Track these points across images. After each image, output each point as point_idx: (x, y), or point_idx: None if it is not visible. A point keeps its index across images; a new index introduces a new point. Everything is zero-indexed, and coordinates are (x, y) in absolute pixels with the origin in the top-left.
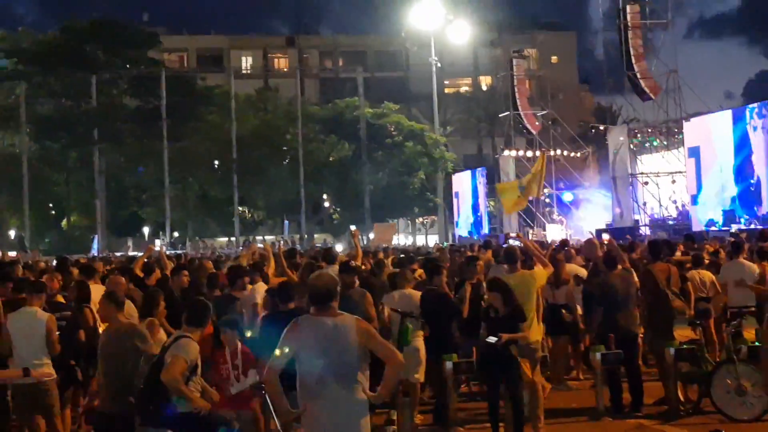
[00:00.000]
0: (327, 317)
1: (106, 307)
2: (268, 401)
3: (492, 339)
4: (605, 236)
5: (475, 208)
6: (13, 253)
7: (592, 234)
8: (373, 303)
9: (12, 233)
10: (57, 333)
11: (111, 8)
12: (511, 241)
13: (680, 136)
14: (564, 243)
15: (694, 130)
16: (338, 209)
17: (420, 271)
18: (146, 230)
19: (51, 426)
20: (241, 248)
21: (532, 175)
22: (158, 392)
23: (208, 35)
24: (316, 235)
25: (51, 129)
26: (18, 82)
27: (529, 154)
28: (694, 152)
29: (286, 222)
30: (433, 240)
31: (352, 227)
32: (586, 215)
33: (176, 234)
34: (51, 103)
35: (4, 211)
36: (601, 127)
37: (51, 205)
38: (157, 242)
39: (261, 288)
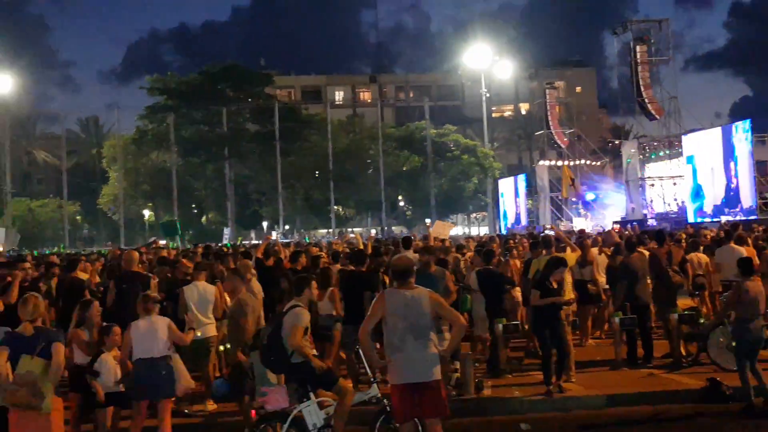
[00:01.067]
0: (406, 290)
1: (232, 281)
2: (362, 354)
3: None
4: (615, 227)
5: (517, 206)
6: (163, 242)
7: (615, 226)
8: None
9: None
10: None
11: (237, 55)
12: (546, 231)
13: (680, 148)
14: (581, 232)
15: (690, 142)
16: (410, 207)
17: (470, 253)
18: (265, 224)
19: (205, 378)
20: (336, 237)
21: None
22: (278, 347)
23: (309, 75)
24: (393, 227)
25: (193, 149)
26: (168, 113)
27: (559, 163)
28: (691, 160)
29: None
30: (483, 231)
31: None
32: (605, 210)
33: (286, 227)
34: (193, 129)
35: (160, 210)
36: (617, 142)
37: (193, 205)
38: (273, 233)
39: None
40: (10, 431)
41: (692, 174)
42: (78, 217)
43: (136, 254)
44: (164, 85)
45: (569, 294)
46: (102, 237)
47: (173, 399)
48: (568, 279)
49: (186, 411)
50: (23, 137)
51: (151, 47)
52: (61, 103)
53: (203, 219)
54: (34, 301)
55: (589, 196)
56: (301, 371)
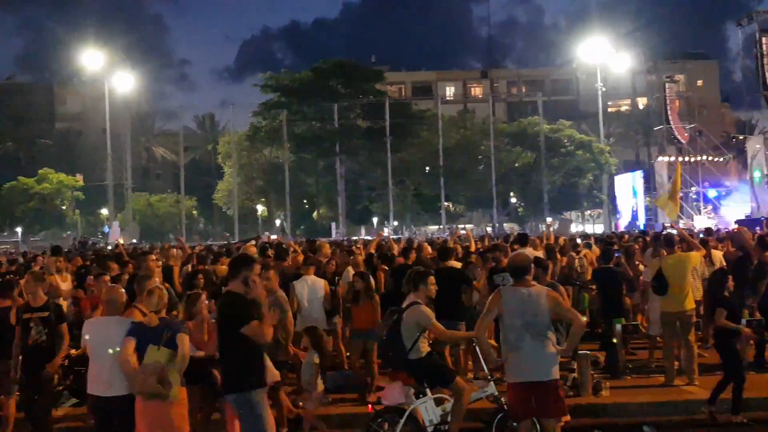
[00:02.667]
0: (523, 287)
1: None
2: (478, 351)
3: None
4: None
5: (634, 203)
6: (274, 236)
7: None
8: None
9: (277, 222)
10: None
11: (347, 52)
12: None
13: None
14: (708, 231)
15: None
16: (522, 204)
17: (585, 251)
18: (375, 220)
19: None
20: (446, 233)
21: (670, 195)
22: (396, 343)
23: (420, 71)
24: (505, 224)
25: (305, 145)
26: (281, 110)
27: (680, 159)
28: None
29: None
30: (598, 229)
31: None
32: (727, 208)
33: (395, 223)
34: (305, 125)
35: (272, 205)
36: (741, 137)
37: (305, 201)
38: (385, 230)
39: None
40: (136, 418)
41: None
42: (194, 212)
43: (253, 249)
44: (277, 82)
45: (690, 299)
46: (217, 231)
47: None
48: (692, 280)
49: (300, 404)
50: (142, 134)
51: (263, 45)
52: (177, 100)
53: (314, 214)
54: (159, 293)
55: (711, 193)
56: (419, 368)
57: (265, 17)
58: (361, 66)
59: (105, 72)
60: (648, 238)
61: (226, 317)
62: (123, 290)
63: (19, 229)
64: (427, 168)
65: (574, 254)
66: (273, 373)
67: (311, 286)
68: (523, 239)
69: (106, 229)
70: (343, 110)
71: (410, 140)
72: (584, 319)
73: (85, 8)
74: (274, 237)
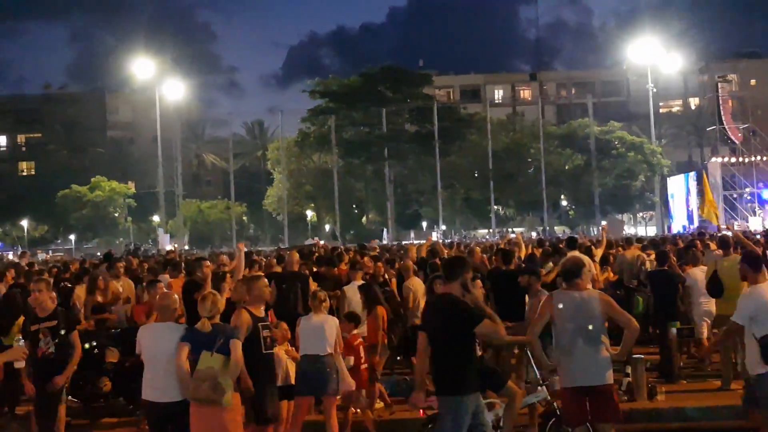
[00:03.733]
0: (574, 291)
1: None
2: (529, 355)
3: None
4: None
5: (688, 204)
6: (322, 242)
7: None
8: None
9: (327, 227)
10: None
11: (394, 56)
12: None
13: None
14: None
15: None
16: (573, 207)
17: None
18: (424, 224)
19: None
20: (496, 237)
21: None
22: None
23: (468, 74)
24: (555, 227)
25: (353, 150)
26: (329, 115)
27: (733, 159)
28: None
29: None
30: (651, 231)
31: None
32: None
33: (443, 227)
34: (353, 130)
35: (322, 210)
36: None
37: (354, 206)
38: (433, 234)
39: None
40: (190, 424)
41: None
42: (244, 218)
43: (297, 255)
44: (325, 88)
45: None
46: (267, 237)
47: (338, 397)
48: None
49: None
50: (193, 141)
51: (311, 51)
52: (225, 107)
53: (363, 219)
54: (213, 299)
55: (766, 195)
56: None
57: (312, 23)
58: (408, 70)
59: (155, 80)
60: (702, 241)
61: (450, 318)
62: (176, 297)
63: (72, 237)
64: (476, 172)
65: (644, 255)
66: (348, 383)
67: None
68: (571, 243)
69: (163, 236)
70: (392, 115)
71: (459, 144)
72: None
73: (134, 18)
74: (322, 242)
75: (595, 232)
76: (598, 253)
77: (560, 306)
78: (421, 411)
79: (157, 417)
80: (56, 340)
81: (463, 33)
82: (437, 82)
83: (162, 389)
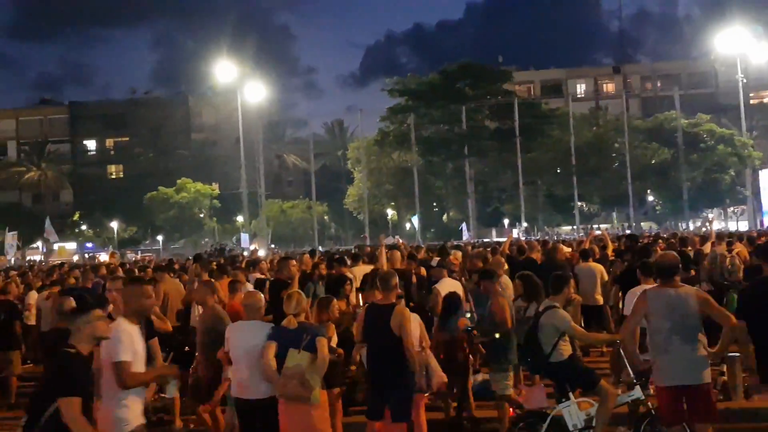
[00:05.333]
0: (670, 288)
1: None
2: (622, 353)
3: None
4: None
5: None
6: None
7: None
8: None
9: (407, 225)
10: None
11: (472, 53)
12: None
13: None
14: None
15: None
16: (660, 202)
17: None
18: (506, 222)
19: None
20: (581, 234)
21: None
22: (535, 347)
23: (548, 69)
24: (642, 223)
25: (433, 148)
26: (408, 114)
27: None
28: None
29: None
30: (742, 227)
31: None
32: None
33: (525, 224)
34: (432, 128)
35: (402, 209)
36: None
37: (434, 204)
38: (514, 231)
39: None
40: (279, 421)
41: None
42: (326, 217)
43: (398, 254)
44: (404, 86)
45: None
46: (348, 236)
47: (427, 394)
48: None
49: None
50: (274, 142)
51: (388, 50)
52: (304, 108)
53: (444, 217)
54: (298, 297)
55: None
56: (560, 371)
57: (389, 22)
58: (487, 67)
59: (237, 83)
60: None
61: None
62: (262, 295)
63: (160, 237)
64: (559, 168)
65: (725, 252)
66: (440, 375)
67: (444, 290)
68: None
69: (243, 236)
70: (471, 112)
71: (541, 140)
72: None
73: (214, 21)
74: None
75: (684, 228)
76: (707, 247)
77: (655, 303)
78: (511, 410)
79: (245, 413)
80: None
81: (542, 27)
82: (517, 78)
83: (249, 386)
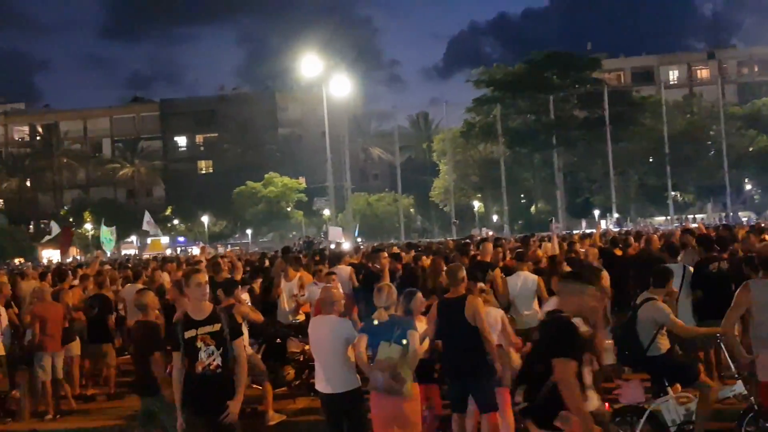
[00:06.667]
0: None
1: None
2: (723, 347)
3: None
4: None
5: None
6: (490, 232)
7: None
8: None
9: (494, 217)
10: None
11: (559, 41)
12: None
13: None
14: None
15: None
16: (759, 191)
17: None
18: (596, 213)
19: None
20: (675, 225)
21: None
22: (632, 341)
23: (639, 56)
24: (740, 213)
25: (520, 138)
26: (494, 105)
27: None
28: None
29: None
30: None
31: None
32: None
33: (616, 215)
34: (519, 119)
35: (489, 200)
36: None
37: (522, 195)
38: (602, 222)
39: None
40: (372, 414)
41: None
42: (411, 210)
43: (490, 246)
44: (489, 77)
45: None
46: (434, 228)
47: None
48: None
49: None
50: (359, 135)
51: (471, 40)
52: (388, 100)
53: (532, 209)
54: (388, 290)
55: None
56: (658, 365)
57: (473, 12)
58: (575, 55)
59: (322, 77)
60: None
61: None
62: (339, 290)
63: (249, 231)
64: (651, 157)
65: None
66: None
67: (524, 282)
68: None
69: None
70: (559, 101)
71: (632, 129)
72: None
73: (298, 17)
74: (490, 233)
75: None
76: None
77: (760, 295)
78: (606, 404)
79: (329, 408)
80: (220, 350)
81: (631, 12)
82: (606, 66)
83: (328, 381)
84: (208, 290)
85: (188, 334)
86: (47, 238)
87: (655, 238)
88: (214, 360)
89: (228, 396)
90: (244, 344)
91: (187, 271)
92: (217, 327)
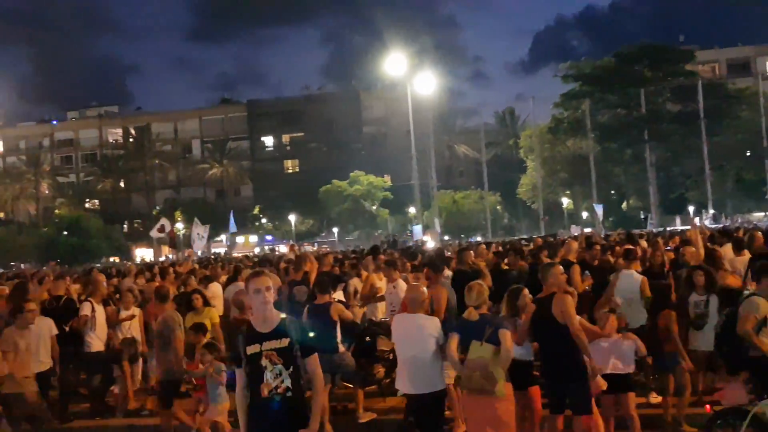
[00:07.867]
0: None
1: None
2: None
3: None
4: None
5: None
6: (587, 229)
7: None
8: None
9: (584, 214)
10: None
11: (648, 33)
12: None
13: None
14: None
15: None
16: None
17: None
18: (691, 209)
19: None
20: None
21: None
22: (732, 339)
23: (735, 47)
24: None
25: (610, 133)
26: (583, 99)
27: None
28: None
29: None
30: None
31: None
32: None
33: (712, 211)
34: (609, 113)
35: (578, 197)
36: None
37: (612, 192)
38: (696, 219)
39: None
40: (465, 413)
41: None
42: (498, 207)
43: (575, 244)
44: (578, 71)
45: None
46: (522, 226)
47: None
48: None
49: None
50: (444, 133)
51: (558, 34)
52: (473, 97)
53: (623, 205)
54: (478, 289)
55: None
56: (759, 366)
57: (559, 6)
58: (667, 47)
59: (406, 75)
60: None
61: None
62: (425, 288)
63: (335, 230)
64: (749, 150)
65: None
66: (597, 383)
67: (629, 282)
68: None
69: (415, 227)
70: (651, 95)
71: (728, 122)
72: None
73: (380, 15)
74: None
75: None
76: None
77: None
78: (707, 406)
79: (415, 407)
80: (290, 370)
81: (724, 3)
82: (700, 58)
83: (410, 381)
84: (271, 296)
85: (251, 349)
86: (159, 235)
87: (758, 234)
88: (282, 382)
89: (300, 424)
90: (338, 340)
91: (247, 274)
92: (285, 342)
